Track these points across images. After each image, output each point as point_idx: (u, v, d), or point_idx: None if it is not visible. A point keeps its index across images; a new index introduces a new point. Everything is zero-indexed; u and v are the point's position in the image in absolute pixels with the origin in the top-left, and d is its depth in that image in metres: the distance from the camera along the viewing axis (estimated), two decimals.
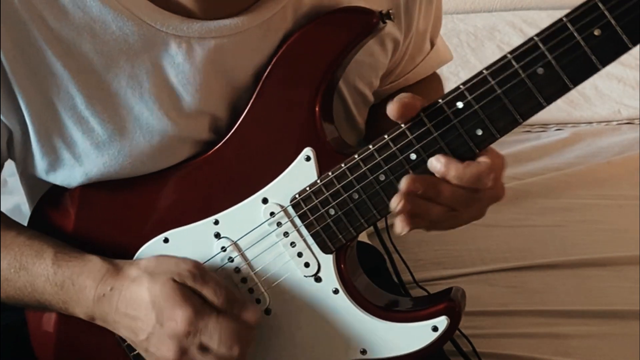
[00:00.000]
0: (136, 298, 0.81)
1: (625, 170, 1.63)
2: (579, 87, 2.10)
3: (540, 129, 1.84)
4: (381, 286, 0.90)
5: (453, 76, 1.96)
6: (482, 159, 0.76)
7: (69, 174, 0.85)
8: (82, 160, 0.83)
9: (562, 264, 1.39)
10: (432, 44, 1.05)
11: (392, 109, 0.75)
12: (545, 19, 2.17)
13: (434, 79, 1.09)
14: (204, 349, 0.80)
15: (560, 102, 1.94)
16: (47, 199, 0.91)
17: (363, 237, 1.20)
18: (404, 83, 1.04)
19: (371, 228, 1.25)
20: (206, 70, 0.81)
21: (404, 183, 0.75)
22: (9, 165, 0.95)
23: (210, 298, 0.81)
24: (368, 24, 0.79)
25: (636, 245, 1.40)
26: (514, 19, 2.26)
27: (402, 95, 0.76)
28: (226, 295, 0.81)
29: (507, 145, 1.74)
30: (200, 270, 0.82)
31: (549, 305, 1.30)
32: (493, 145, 0.78)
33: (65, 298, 0.85)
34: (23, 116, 0.81)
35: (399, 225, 0.75)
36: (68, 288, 0.84)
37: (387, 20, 0.80)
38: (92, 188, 0.87)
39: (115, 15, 0.78)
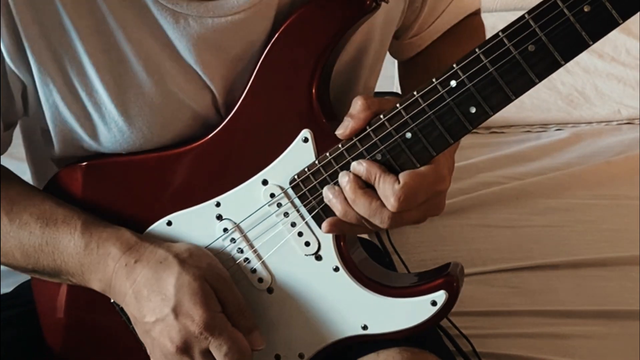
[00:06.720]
0: (159, 279, 0.82)
1: (625, 170, 1.63)
2: (579, 87, 2.08)
3: (540, 129, 1.83)
4: None
5: None
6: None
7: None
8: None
9: (562, 264, 1.38)
10: None
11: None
12: None
13: (472, 28, 1.04)
14: (206, 355, 0.81)
15: (560, 102, 1.93)
16: (50, 185, 0.92)
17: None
18: (427, 37, 1.01)
19: None
20: (202, 46, 0.82)
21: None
22: (10, 161, 0.95)
23: (233, 302, 0.83)
24: (362, 4, 0.80)
25: (636, 245, 1.40)
26: (514, 19, 2.26)
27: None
28: (245, 310, 0.84)
29: (507, 145, 1.73)
30: (229, 279, 0.85)
31: (549, 305, 1.30)
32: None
33: (85, 261, 0.85)
34: (32, 70, 0.82)
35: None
36: (92, 251, 0.84)
37: (381, 2, 0.81)
38: (95, 172, 0.88)
39: None
